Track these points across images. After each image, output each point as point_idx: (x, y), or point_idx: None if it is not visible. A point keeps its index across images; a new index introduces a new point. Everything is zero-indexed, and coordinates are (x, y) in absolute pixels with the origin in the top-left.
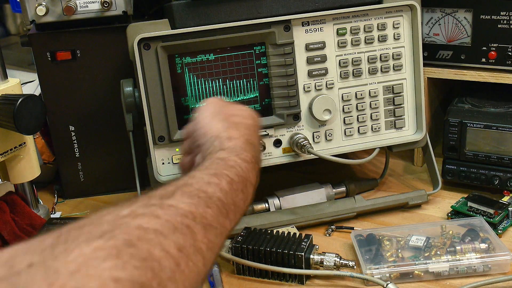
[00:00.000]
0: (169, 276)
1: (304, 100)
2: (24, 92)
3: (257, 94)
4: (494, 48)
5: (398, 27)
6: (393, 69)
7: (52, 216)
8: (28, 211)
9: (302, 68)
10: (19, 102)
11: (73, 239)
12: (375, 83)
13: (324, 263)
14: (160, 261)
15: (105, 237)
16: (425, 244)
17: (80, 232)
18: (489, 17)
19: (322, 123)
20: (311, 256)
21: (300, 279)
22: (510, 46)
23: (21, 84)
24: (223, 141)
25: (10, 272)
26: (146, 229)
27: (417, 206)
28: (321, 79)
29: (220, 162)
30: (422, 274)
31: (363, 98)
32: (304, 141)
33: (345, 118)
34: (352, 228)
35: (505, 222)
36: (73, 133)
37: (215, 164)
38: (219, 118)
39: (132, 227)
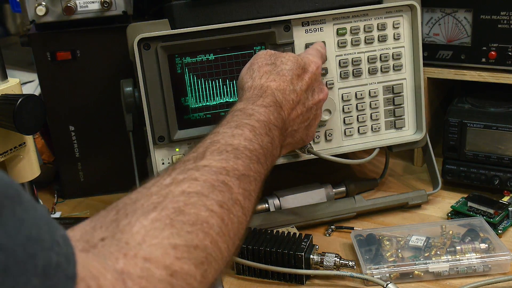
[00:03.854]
0: (217, 232)
1: None
2: (24, 92)
3: None
4: (494, 48)
5: (398, 27)
6: (393, 69)
7: (52, 216)
8: None
9: None
10: (19, 102)
11: (132, 213)
12: (375, 83)
13: (324, 263)
14: (208, 221)
15: (157, 209)
16: (425, 244)
17: (135, 206)
18: (489, 17)
19: (322, 123)
20: (311, 256)
21: (300, 279)
22: (510, 46)
23: (21, 84)
24: (242, 93)
25: (88, 245)
26: (189, 193)
27: (417, 206)
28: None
29: (239, 114)
30: (422, 274)
31: (363, 98)
32: None
33: (345, 118)
34: (352, 228)
35: (505, 222)
36: (73, 133)
37: (235, 116)
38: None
39: (177, 194)
